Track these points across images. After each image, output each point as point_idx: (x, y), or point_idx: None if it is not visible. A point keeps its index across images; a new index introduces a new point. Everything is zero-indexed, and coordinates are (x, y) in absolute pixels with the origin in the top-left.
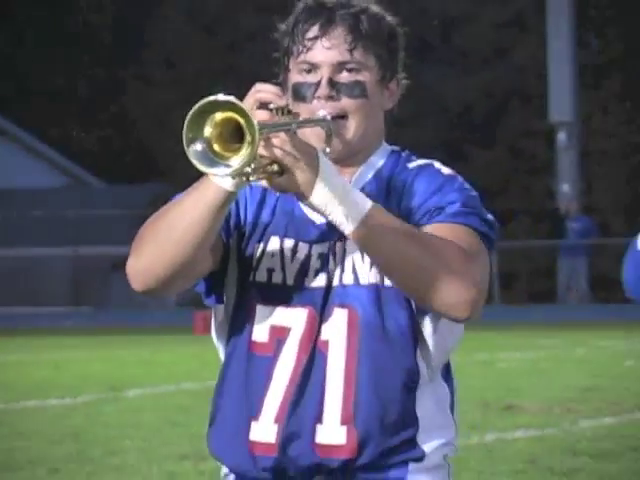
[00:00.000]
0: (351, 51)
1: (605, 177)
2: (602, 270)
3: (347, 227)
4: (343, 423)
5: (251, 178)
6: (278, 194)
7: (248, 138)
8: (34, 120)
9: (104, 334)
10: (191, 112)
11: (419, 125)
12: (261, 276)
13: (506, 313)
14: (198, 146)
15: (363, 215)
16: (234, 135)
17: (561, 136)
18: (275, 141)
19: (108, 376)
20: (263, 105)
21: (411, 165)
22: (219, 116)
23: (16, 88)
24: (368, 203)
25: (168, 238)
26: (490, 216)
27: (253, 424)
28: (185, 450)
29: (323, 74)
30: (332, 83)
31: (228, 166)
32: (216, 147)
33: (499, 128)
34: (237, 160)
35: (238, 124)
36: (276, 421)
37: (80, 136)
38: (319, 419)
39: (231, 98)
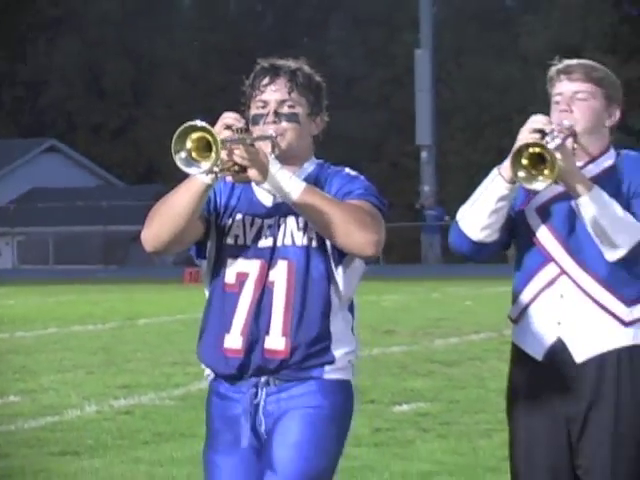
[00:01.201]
0: (289, 93)
1: (452, 181)
2: (449, 242)
3: (291, 198)
4: (283, 335)
5: (220, 175)
6: (242, 186)
7: (214, 150)
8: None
9: (125, 283)
10: (177, 132)
11: (331, 147)
12: (230, 240)
13: (387, 269)
14: (182, 154)
15: (302, 189)
16: (205, 147)
17: (423, 154)
18: (236, 151)
19: (127, 310)
20: (228, 127)
21: (330, 170)
22: (195, 135)
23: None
24: (304, 183)
25: (168, 215)
26: (382, 199)
27: (226, 336)
28: (177, 359)
29: (271, 108)
30: (276, 114)
31: (200, 167)
32: (194, 155)
33: (384, 149)
34: (207, 164)
35: (208, 140)
36: (241, 334)
37: (110, 154)
38: (267, 332)
39: (204, 124)
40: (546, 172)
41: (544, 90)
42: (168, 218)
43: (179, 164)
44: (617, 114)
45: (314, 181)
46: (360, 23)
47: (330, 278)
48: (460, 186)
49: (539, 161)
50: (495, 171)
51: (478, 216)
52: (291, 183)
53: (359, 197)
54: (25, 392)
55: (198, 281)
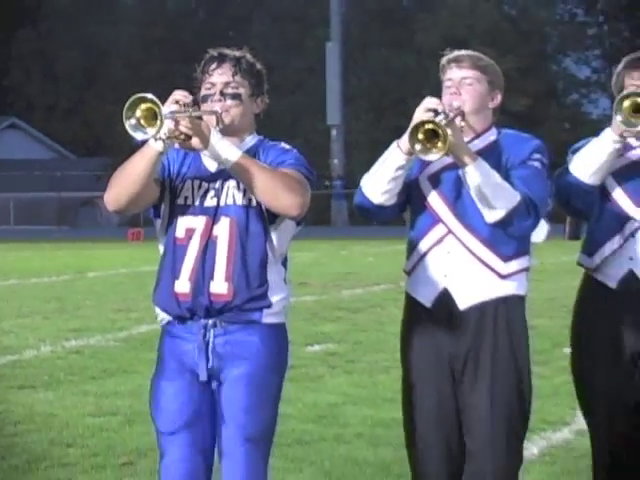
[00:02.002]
0: (233, 76)
1: (357, 155)
2: (354, 207)
3: (229, 163)
4: (225, 280)
5: (168, 142)
6: (192, 155)
7: (159, 119)
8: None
9: (75, 242)
10: (129, 101)
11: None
12: (181, 200)
13: (302, 230)
14: (132, 121)
15: (238, 156)
16: (152, 117)
17: (333, 132)
18: (182, 122)
19: (77, 265)
20: (176, 101)
21: (268, 144)
22: (144, 105)
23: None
24: (240, 152)
25: (126, 179)
26: (311, 169)
27: (176, 282)
28: (121, 307)
29: (217, 89)
30: (222, 93)
31: (146, 133)
32: (142, 122)
33: (299, 128)
34: (152, 130)
35: (155, 111)
36: (189, 279)
37: (63, 130)
38: (212, 278)
39: (152, 96)
40: (439, 145)
41: (436, 77)
42: (126, 182)
43: (128, 129)
44: (499, 97)
45: (254, 152)
46: (278, 19)
47: (266, 234)
48: (364, 159)
49: (433, 136)
50: (394, 144)
51: (379, 182)
52: (229, 151)
53: (290, 166)
54: None
55: (139, 240)
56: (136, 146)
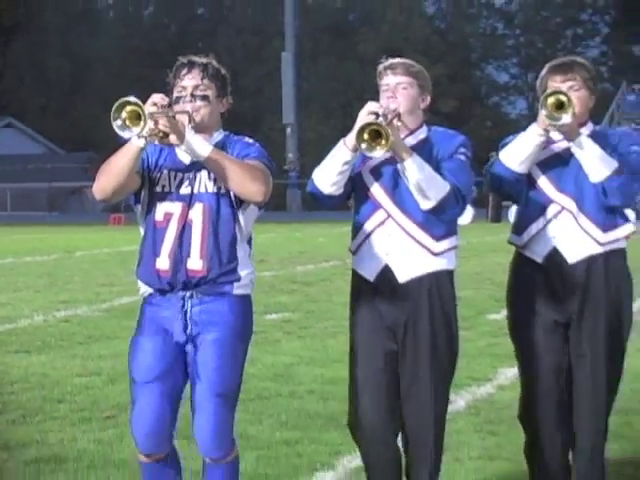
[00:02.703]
0: (202, 80)
1: (309, 150)
2: (307, 195)
3: (202, 156)
4: (200, 258)
5: (149, 139)
6: (168, 150)
7: (142, 119)
8: (31, 120)
9: (64, 225)
10: (115, 104)
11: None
12: (159, 188)
13: (262, 215)
14: (118, 122)
15: (209, 150)
16: (136, 117)
17: (288, 130)
18: (160, 121)
19: (66, 245)
20: (155, 104)
21: (234, 138)
22: (129, 107)
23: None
24: (211, 146)
25: (111, 171)
26: (272, 160)
27: (157, 260)
28: (104, 282)
29: (188, 91)
30: (192, 95)
31: (132, 132)
32: (127, 122)
33: (260, 125)
34: (137, 129)
35: (139, 112)
36: (168, 257)
37: (54, 129)
38: (189, 255)
39: (136, 99)
40: (383, 143)
41: (376, 83)
42: (111, 174)
43: (115, 128)
44: (428, 99)
45: (222, 146)
46: (240, 32)
47: (235, 217)
48: (315, 154)
49: (377, 136)
50: (341, 142)
51: (328, 175)
52: (202, 146)
53: (254, 158)
54: None
55: (120, 224)
56: (120, 142)
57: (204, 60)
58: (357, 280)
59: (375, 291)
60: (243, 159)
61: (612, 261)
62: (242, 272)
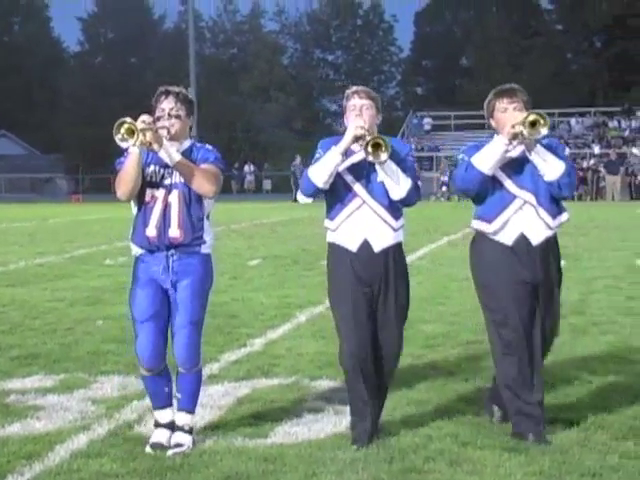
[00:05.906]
0: (176, 103)
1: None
2: (277, 182)
3: (174, 161)
4: (178, 228)
5: (141, 148)
6: (154, 154)
7: (136, 134)
8: (18, 131)
9: (42, 203)
10: (116, 123)
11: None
12: (148, 179)
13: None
14: (119, 136)
15: (178, 158)
16: (131, 132)
17: None
18: (147, 134)
19: (43, 215)
20: (143, 122)
21: (198, 145)
22: (126, 125)
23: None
24: (180, 155)
25: (127, 179)
26: (225, 164)
27: (146, 229)
28: (69, 239)
29: (165, 112)
30: (169, 114)
31: (129, 143)
32: (125, 136)
33: None
34: (132, 141)
35: (133, 129)
36: (155, 227)
37: (34, 136)
38: (170, 226)
39: (131, 120)
40: (384, 150)
41: (259, 109)
42: (128, 181)
43: (117, 141)
44: (380, 118)
45: (189, 151)
46: (160, 74)
47: (200, 200)
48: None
49: (377, 147)
50: (334, 149)
51: (323, 174)
52: (173, 154)
53: (211, 163)
54: None
55: (79, 202)
56: (87, 146)
57: (177, 89)
58: (337, 251)
59: (357, 259)
60: (205, 161)
61: (555, 239)
62: (206, 237)
